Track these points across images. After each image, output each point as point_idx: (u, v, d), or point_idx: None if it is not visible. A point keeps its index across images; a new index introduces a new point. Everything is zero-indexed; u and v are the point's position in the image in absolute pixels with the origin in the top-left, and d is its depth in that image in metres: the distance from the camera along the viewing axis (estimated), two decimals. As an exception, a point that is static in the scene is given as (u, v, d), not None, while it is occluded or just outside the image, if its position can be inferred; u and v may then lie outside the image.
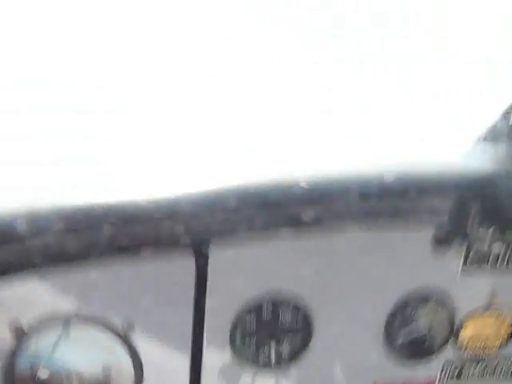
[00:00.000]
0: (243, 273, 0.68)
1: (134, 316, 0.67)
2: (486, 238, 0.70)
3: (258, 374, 0.75)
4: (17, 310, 0.63)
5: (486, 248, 0.71)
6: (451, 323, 0.77)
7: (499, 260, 0.73)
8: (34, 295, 0.63)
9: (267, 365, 0.74)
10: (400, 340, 0.76)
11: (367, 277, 0.71)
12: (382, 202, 0.67)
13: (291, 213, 0.64)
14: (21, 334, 0.64)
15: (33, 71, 1.04)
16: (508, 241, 0.72)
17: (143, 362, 0.70)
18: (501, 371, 0.83)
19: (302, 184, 0.62)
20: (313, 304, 0.72)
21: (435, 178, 0.68)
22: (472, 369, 0.81)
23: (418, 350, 0.78)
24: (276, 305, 0.71)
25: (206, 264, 0.66)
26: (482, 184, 0.69)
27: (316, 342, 0.74)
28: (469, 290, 0.76)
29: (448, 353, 0.79)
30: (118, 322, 0.67)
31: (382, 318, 0.75)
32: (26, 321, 0.63)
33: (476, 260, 0.72)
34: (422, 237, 0.70)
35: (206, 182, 0.63)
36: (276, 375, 0.76)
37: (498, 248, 0.72)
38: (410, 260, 0.71)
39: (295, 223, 0.64)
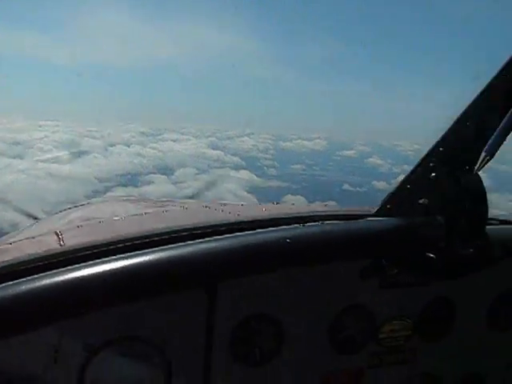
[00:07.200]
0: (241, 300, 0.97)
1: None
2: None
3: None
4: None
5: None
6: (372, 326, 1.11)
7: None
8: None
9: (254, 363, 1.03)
10: (338, 338, 1.09)
11: (319, 295, 1.04)
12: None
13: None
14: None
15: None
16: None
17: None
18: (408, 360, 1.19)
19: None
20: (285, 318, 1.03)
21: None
22: (389, 358, 1.16)
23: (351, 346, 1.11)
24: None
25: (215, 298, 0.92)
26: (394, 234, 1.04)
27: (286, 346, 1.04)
28: (383, 304, 1.12)
29: (371, 347, 1.13)
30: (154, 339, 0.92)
31: (326, 324, 1.08)
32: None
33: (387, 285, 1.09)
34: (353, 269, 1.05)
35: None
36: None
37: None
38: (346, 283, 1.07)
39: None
